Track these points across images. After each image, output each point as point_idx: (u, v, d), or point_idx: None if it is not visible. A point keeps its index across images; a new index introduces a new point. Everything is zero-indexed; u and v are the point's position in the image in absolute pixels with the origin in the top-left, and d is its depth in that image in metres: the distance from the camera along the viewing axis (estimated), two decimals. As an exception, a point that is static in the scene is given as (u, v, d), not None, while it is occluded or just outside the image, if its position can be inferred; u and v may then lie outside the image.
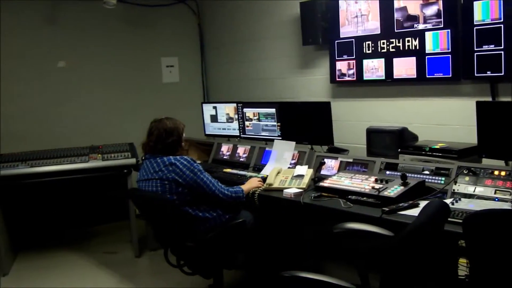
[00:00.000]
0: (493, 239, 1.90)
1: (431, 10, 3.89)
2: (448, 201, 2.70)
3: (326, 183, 3.37)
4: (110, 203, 5.34)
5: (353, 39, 4.51)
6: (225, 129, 5.11)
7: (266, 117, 4.64)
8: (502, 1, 3.43)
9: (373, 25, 4.34)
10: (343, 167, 3.69)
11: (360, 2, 4.41)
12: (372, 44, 4.36)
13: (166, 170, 3.17)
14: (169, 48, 6.44)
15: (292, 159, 4.03)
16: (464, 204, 2.66)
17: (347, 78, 4.62)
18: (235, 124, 4.97)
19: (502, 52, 3.47)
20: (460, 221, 2.19)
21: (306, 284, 2.10)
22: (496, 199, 2.76)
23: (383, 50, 4.29)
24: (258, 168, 4.21)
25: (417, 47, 4.02)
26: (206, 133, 5.34)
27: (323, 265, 3.87)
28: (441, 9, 3.82)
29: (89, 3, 5.66)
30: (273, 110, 4.57)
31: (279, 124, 4.53)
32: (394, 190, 2.99)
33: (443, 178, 3.13)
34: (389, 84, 4.35)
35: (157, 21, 6.29)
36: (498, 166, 2.96)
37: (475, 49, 3.62)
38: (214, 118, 5.20)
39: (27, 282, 4.32)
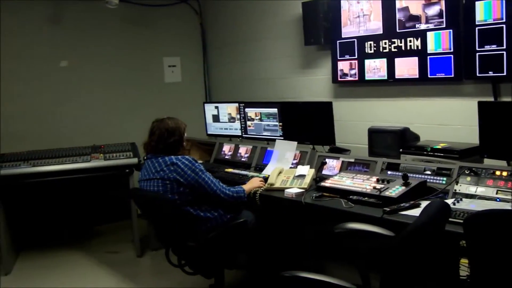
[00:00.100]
0: (494, 240, 1.89)
1: (433, 10, 3.89)
2: (449, 201, 2.69)
3: (327, 183, 3.37)
4: (112, 203, 5.34)
5: (355, 39, 4.51)
6: (227, 129, 5.11)
7: (268, 117, 4.64)
8: (504, 1, 3.44)
9: (375, 25, 4.34)
10: (345, 167, 3.68)
11: (362, 2, 4.41)
12: (374, 44, 4.36)
13: (168, 170, 3.17)
14: (171, 48, 6.45)
15: (294, 159, 4.03)
16: (466, 205, 2.65)
17: (349, 78, 4.62)
18: (237, 124, 4.97)
19: (504, 52, 3.47)
20: (461, 221, 2.18)
21: (307, 284, 2.09)
22: (498, 200, 2.75)
23: (385, 50, 4.28)
24: (260, 168, 4.21)
25: (419, 47, 4.02)
26: (208, 133, 5.34)
27: (324, 265, 3.87)
28: (443, 9, 3.82)
29: (91, 2, 5.67)
30: (275, 110, 4.57)
31: (281, 124, 4.53)
32: (395, 190, 2.99)
33: (444, 178, 3.13)
34: (391, 84, 4.35)
35: (159, 21, 6.29)
36: (499, 166, 2.95)
37: (477, 49, 3.63)
38: (216, 118, 5.20)
39: (29, 281, 4.33)
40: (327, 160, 3.81)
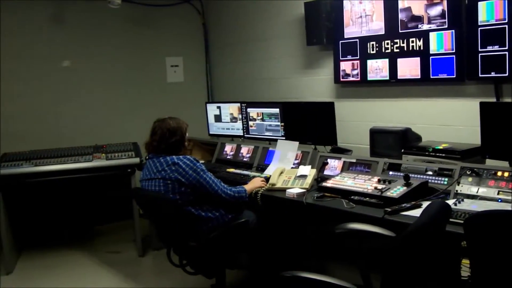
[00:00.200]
0: (494, 240, 1.89)
1: (436, 11, 3.88)
2: (451, 201, 2.69)
3: (329, 183, 3.37)
4: (114, 203, 5.34)
5: (357, 40, 4.50)
6: (229, 129, 5.12)
7: (269, 117, 4.64)
8: (507, 1, 3.42)
9: (377, 26, 4.33)
10: (346, 168, 3.68)
11: (364, 2, 4.40)
12: (376, 45, 4.36)
13: (169, 169, 3.17)
14: (174, 48, 6.46)
15: (296, 159, 4.03)
16: (467, 205, 2.65)
17: (351, 79, 4.62)
18: (239, 124, 4.97)
19: (507, 53, 3.46)
20: (462, 222, 2.18)
21: (308, 284, 2.09)
22: (499, 200, 2.75)
23: (387, 51, 4.28)
24: (262, 168, 4.21)
25: (421, 48, 4.02)
26: (210, 133, 5.35)
27: (326, 265, 3.87)
28: (446, 9, 3.81)
29: (94, 2, 5.68)
30: (276, 110, 4.57)
31: (282, 124, 4.53)
32: (396, 190, 2.99)
33: (446, 179, 3.12)
34: (393, 85, 4.34)
35: (161, 21, 6.30)
36: (501, 167, 2.94)
37: (480, 49, 3.62)
38: (218, 118, 5.21)
39: (31, 280, 4.33)
40: (328, 160, 3.81)
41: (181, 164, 3.17)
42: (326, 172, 3.74)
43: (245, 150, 4.57)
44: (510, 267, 1.87)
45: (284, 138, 4.44)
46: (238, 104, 4.97)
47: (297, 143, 4.09)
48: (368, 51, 4.43)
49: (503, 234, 1.85)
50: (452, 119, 3.98)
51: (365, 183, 3.21)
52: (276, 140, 4.37)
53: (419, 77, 4.07)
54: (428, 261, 2.15)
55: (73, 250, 4.99)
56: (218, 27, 6.43)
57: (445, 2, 3.80)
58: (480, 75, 3.65)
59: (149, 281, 4.27)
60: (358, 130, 4.47)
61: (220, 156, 4.78)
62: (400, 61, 4.19)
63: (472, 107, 3.38)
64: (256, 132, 4.81)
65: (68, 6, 5.67)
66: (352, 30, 4.55)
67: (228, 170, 4.24)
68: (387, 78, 4.31)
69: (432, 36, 3.93)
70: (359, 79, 4.55)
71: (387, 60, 4.29)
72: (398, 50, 4.19)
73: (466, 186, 2.93)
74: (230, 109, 5.06)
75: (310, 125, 4.27)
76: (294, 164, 3.99)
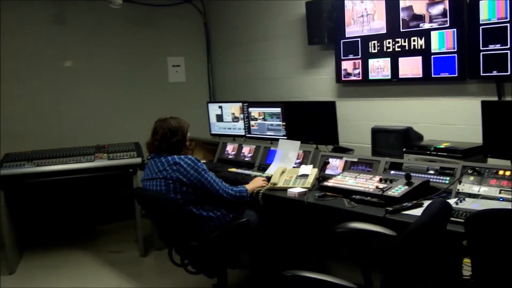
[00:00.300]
0: (495, 239, 1.89)
1: (437, 10, 3.87)
2: (452, 201, 2.69)
3: (330, 183, 3.36)
4: (116, 203, 5.35)
5: (359, 39, 4.50)
6: (230, 128, 5.12)
7: (271, 117, 4.64)
8: (508, 0, 3.41)
9: (378, 25, 4.33)
10: (348, 167, 3.68)
11: (365, 2, 4.40)
12: (378, 44, 4.35)
13: (170, 169, 3.17)
14: (175, 48, 6.46)
15: (297, 159, 4.03)
16: (469, 204, 2.64)
17: (352, 78, 4.61)
18: (240, 124, 4.97)
19: (508, 51, 3.45)
20: (463, 221, 2.17)
21: (309, 284, 2.09)
22: (501, 199, 2.74)
23: (388, 50, 4.27)
24: (263, 168, 4.21)
25: (423, 47, 4.01)
26: (212, 132, 5.35)
27: (327, 264, 3.87)
28: (447, 8, 3.81)
29: (95, 2, 5.68)
30: (278, 110, 4.57)
31: (284, 123, 4.53)
32: (398, 189, 2.98)
33: (447, 178, 3.12)
34: (395, 84, 4.34)
35: (163, 20, 6.30)
36: (503, 166, 2.94)
37: (481, 48, 3.61)
38: (219, 118, 5.21)
39: (33, 280, 4.34)
40: (330, 159, 3.80)
41: (183, 163, 3.17)
42: (327, 172, 3.73)
43: (246, 150, 4.57)
44: (510, 266, 1.87)
45: (285, 137, 4.44)
46: (240, 104, 4.97)
47: (298, 142, 4.09)
48: (370, 50, 4.42)
49: (504, 233, 1.85)
50: (453, 118, 3.97)
51: (367, 182, 3.20)
52: (277, 139, 4.37)
53: (420, 76, 4.07)
54: (429, 260, 2.15)
55: (75, 250, 4.99)
56: (220, 27, 6.43)
57: (446, 1, 3.79)
58: (481, 74, 3.64)
59: (151, 280, 4.27)
60: (359, 130, 4.46)
61: (221, 156, 4.78)
62: (402, 60, 4.19)
63: (474, 106, 3.37)
64: (257, 131, 4.81)
65: (69, 6, 5.67)
66: (353, 29, 4.54)
67: (229, 169, 4.25)
68: (389, 77, 4.31)
69: (434, 35, 3.92)
70: (360, 78, 4.54)
71: (388, 59, 4.29)
72: (399, 49, 4.19)
73: (468, 185, 2.92)
74: (232, 109, 5.06)
75: (312, 124, 4.27)
76: (295, 163, 3.99)
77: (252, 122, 4.84)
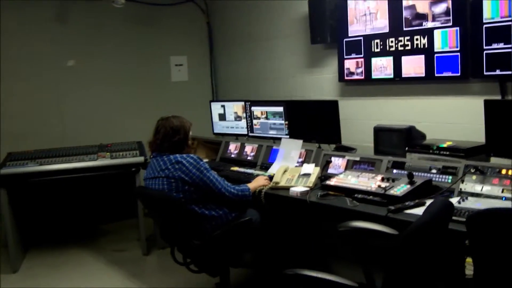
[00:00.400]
0: (496, 238, 1.88)
1: (440, 8, 3.87)
2: (454, 200, 2.69)
3: (332, 182, 3.36)
4: (119, 202, 5.37)
5: (362, 38, 4.49)
6: (233, 127, 5.11)
7: (274, 116, 4.64)
8: (511, -1, 3.41)
9: (381, 24, 4.32)
10: (350, 166, 3.68)
11: (368, 0, 4.40)
12: (381, 43, 4.34)
13: (173, 168, 3.18)
14: (178, 47, 6.47)
15: (299, 158, 4.03)
16: (471, 203, 2.64)
17: (355, 77, 4.61)
18: (243, 123, 4.97)
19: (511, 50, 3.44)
20: (465, 220, 2.17)
21: (311, 283, 2.09)
22: (504, 198, 2.73)
23: (391, 49, 4.27)
24: (266, 167, 4.21)
25: (426, 46, 4.00)
26: (215, 131, 5.35)
27: (329, 263, 3.86)
28: (450, 7, 3.79)
29: (97, 2, 5.70)
30: (280, 109, 4.56)
31: (286, 122, 4.53)
32: (400, 189, 2.98)
33: (450, 177, 3.11)
34: (398, 83, 4.33)
35: (165, 20, 6.31)
36: (505, 165, 2.92)
37: (484, 47, 3.59)
38: (222, 117, 5.21)
39: (36, 279, 4.35)
40: (332, 158, 3.80)
41: (185, 162, 3.17)
42: (330, 171, 3.73)
43: (249, 149, 4.57)
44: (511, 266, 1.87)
45: (288, 136, 4.44)
46: (242, 103, 4.96)
47: (301, 141, 4.09)
48: (373, 49, 4.42)
49: (506, 232, 1.85)
50: (456, 117, 3.96)
51: (369, 181, 3.20)
52: (280, 138, 4.36)
53: (423, 75, 4.06)
54: (431, 259, 2.14)
55: (78, 249, 5.01)
56: (222, 26, 6.44)
57: (449, 0, 3.78)
58: (485, 73, 3.63)
59: (153, 279, 4.28)
60: (362, 128, 4.45)
61: (224, 155, 4.78)
62: (405, 59, 4.18)
63: (477, 105, 3.36)
64: (260, 130, 4.81)
65: (71, 6, 5.69)
66: (356, 28, 4.53)
67: (232, 168, 4.26)
68: (392, 76, 4.30)
69: (437, 34, 3.91)
70: (363, 77, 4.54)
71: (391, 58, 4.28)
72: (402, 48, 4.18)
73: (470, 184, 2.91)
74: (235, 108, 5.06)
75: (314, 123, 4.26)
76: (298, 162, 3.99)
77: (254, 121, 4.84)
